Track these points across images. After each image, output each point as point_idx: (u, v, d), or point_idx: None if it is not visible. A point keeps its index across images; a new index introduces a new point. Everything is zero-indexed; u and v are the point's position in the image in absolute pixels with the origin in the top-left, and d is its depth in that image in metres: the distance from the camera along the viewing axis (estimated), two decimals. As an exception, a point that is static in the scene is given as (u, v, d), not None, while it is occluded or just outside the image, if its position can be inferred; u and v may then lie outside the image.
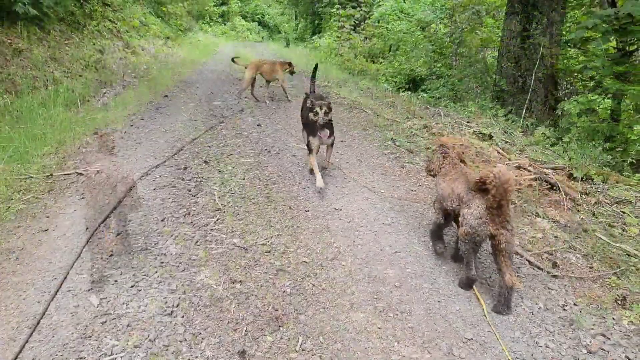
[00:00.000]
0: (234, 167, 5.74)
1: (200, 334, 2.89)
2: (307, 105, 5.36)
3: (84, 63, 9.80)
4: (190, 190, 4.95)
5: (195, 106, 8.94)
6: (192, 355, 2.72)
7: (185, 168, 5.58)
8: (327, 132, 4.95)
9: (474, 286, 3.62)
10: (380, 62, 17.94)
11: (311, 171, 5.52)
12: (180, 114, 8.23)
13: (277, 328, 3.02)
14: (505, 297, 3.34)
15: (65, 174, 5.23)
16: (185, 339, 2.83)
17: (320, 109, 4.84)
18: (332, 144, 5.47)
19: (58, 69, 8.68)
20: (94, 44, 11.06)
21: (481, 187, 3.30)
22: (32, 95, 7.43)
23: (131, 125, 7.37)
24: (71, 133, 6.39)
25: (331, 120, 5.04)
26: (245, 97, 9.71)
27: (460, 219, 3.48)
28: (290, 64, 9.61)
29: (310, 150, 5.29)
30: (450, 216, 3.88)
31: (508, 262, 3.30)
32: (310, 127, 5.18)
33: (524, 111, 9.51)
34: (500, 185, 3.12)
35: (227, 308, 3.16)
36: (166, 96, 9.68)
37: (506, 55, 10.28)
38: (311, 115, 4.94)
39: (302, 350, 2.87)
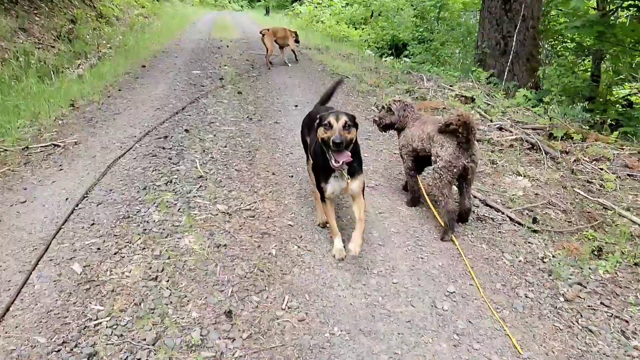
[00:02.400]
0: (215, 135, 5.67)
1: (186, 296, 2.90)
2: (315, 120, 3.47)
3: (55, 34, 9.47)
4: (171, 159, 4.88)
5: (175, 76, 8.74)
6: (178, 316, 2.73)
7: (166, 137, 5.49)
8: (345, 156, 3.02)
9: (456, 242, 3.68)
10: (363, 29, 17.68)
11: (324, 225, 3.84)
12: (159, 84, 8.06)
13: (263, 288, 3.04)
14: (464, 215, 3.99)
15: (41, 146, 5.11)
16: (171, 302, 2.84)
17: (337, 120, 3.00)
18: (361, 183, 3.35)
19: (28, 40, 8.38)
20: (65, 14, 10.67)
21: (449, 128, 3.66)
22: (2, 67, 7.18)
23: (108, 96, 7.20)
24: (46, 105, 6.22)
25: (354, 142, 3.20)
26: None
27: (433, 157, 3.84)
28: (296, 33, 10.45)
29: (321, 195, 3.42)
30: (419, 162, 4.19)
31: (469, 188, 3.91)
32: (320, 157, 3.27)
33: (506, 74, 9.52)
34: (464, 123, 3.54)
35: (213, 271, 3.16)
36: (144, 66, 9.45)
37: (488, 18, 10.20)
38: (321, 131, 3.09)
39: (289, 308, 2.90)
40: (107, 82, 7.94)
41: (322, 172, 3.30)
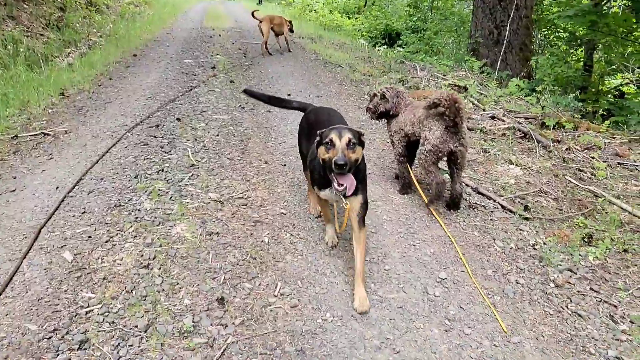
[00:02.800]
0: (207, 124, 5.63)
1: (178, 283, 2.89)
2: (309, 126, 3.52)
3: (44, 22, 9.33)
4: (162, 147, 4.85)
5: (166, 65, 8.66)
6: (170, 304, 2.72)
7: (158, 126, 5.45)
8: (350, 181, 2.73)
9: (444, 226, 3.70)
10: (356, 18, 17.59)
11: (319, 215, 3.81)
12: (151, 73, 7.98)
13: (255, 275, 3.04)
14: (455, 200, 4.00)
15: (31, 135, 5.06)
16: (163, 289, 2.83)
17: (340, 137, 2.70)
18: (362, 205, 2.98)
19: (16, 28, 8.24)
20: (54, 2, 10.50)
21: (436, 107, 3.74)
22: (-10, 55, 7.07)
23: (99, 85, 7.13)
24: (35, 94, 6.14)
25: (360, 162, 2.89)
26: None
27: (422, 140, 3.91)
28: (290, 22, 10.52)
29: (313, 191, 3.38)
30: (411, 147, 4.24)
31: (460, 173, 3.94)
32: (317, 171, 3.03)
33: (499, 63, 9.51)
34: (452, 104, 3.58)
35: (205, 258, 3.16)
36: (135, 55, 9.34)
37: (481, 7, 10.17)
38: (321, 150, 2.79)
39: (281, 294, 2.90)
40: (98, 71, 7.86)
41: (316, 186, 3.09)
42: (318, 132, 2.88)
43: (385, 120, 4.51)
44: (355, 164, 2.77)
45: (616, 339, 2.73)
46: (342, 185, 2.70)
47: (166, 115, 5.87)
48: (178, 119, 5.70)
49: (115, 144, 4.84)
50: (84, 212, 3.61)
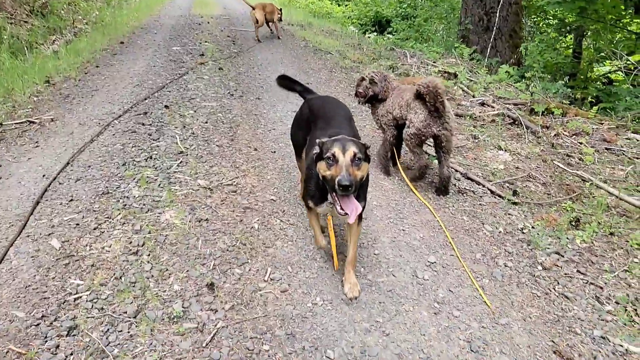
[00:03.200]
0: (195, 111, 5.58)
1: (167, 269, 2.88)
2: (308, 116, 3.30)
3: (28, 8, 9.14)
4: (151, 135, 4.80)
5: (154, 52, 8.54)
6: (159, 289, 2.72)
7: (145, 113, 5.38)
8: (354, 207, 2.43)
9: (433, 211, 3.72)
10: (346, 5, 17.46)
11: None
12: (139, 60, 7.87)
13: (245, 261, 3.04)
14: (444, 184, 4.07)
15: (16, 123, 4.98)
16: (152, 275, 2.82)
17: (344, 151, 2.40)
18: (359, 219, 2.78)
19: (0, 15, 8.07)
20: (38, -12, 10.28)
21: (419, 96, 3.85)
22: (-27, 42, 6.93)
23: (86, 73, 7.02)
24: (20, 81, 6.04)
25: (364, 180, 2.64)
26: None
27: (407, 123, 4.01)
28: (281, 10, 10.42)
29: (306, 204, 2.94)
30: (399, 130, 4.29)
31: (447, 156, 4.01)
32: (314, 185, 2.73)
33: (489, 50, 9.52)
34: (430, 90, 3.69)
35: (194, 245, 3.15)
36: (122, 43, 9.20)
37: (471, -7, 10.14)
38: (322, 166, 2.47)
39: (271, 279, 2.91)
40: (84, 59, 7.73)
41: (311, 199, 2.79)
42: (317, 142, 2.52)
43: (370, 106, 4.52)
44: (360, 182, 2.46)
45: (602, 319, 2.78)
46: (344, 211, 2.40)
47: (154, 102, 5.80)
48: (166, 107, 5.64)
49: (102, 132, 4.78)
50: (71, 200, 3.57)
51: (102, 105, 5.62)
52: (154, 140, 4.70)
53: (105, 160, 4.23)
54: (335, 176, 2.32)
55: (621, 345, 2.59)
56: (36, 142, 4.57)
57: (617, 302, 2.92)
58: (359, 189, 2.57)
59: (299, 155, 3.48)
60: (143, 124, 5.07)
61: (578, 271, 3.22)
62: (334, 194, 2.43)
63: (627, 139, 5.55)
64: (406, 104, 4.03)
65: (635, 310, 2.85)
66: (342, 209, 2.41)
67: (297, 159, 3.63)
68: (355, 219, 2.52)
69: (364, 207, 2.67)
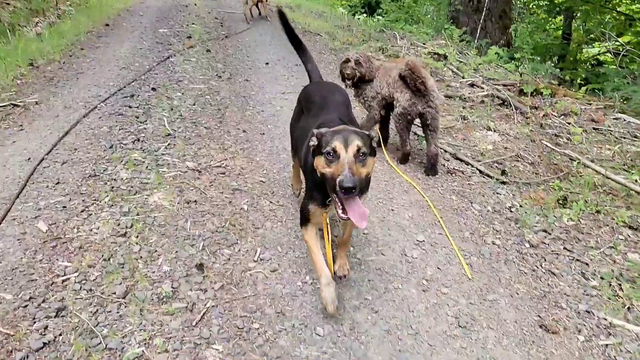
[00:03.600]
0: (183, 93, 5.51)
1: (156, 251, 2.87)
2: (304, 104, 3.04)
3: (10, -11, 8.90)
4: (138, 117, 4.74)
5: (140, 34, 8.38)
6: (149, 270, 2.71)
7: (132, 96, 5.30)
8: (359, 211, 2.09)
9: (420, 190, 3.73)
10: (335, -13, 17.24)
11: (299, 193, 3.52)
12: (125, 43, 7.72)
13: (235, 242, 3.04)
14: (432, 163, 4.09)
15: (0, 106, 4.88)
16: (141, 257, 2.81)
17: (346, 145, 2.07)
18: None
19: (-19, -4, 7.87)
20: (20, -31, 10.02)
21: (402, 77, 3.97)
22: (-47, 24, 6.75)
23: (70, 56, 6.88)
24: (3, 64, 5.90)
25: (368, 176, 2.22)
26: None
27: (395, 102, 4.09)
28: None
29: (304, 220, 2.56)
30: (387, 110, 4.39)
31: (434, 134, 4.04)
32: (313, 181, 2.42)
33: (478, 31, 9.48)
34: (410, 71, 3.82)
35: (183, 226, 3.13)
36: (107, 25, 9.02)
37: (461, -26, 10.06)
38: (320, 162, 2.15)
39: (261, 259, 2.91)
40: (69, 41, 7.57)
41: (310, 201, 2.46)
42: (315, 132, 2.19)
43: (354, 88, 4.47)
44: (365, 181, 2.16)
45: (587, 294, 2.83)
46: (346, 215, 2.07)
47: (141, 85, 5.71)
48: (153, 89, 5.56)
49: (88, 114, 4.71)
50: (58, 183, 3.53)
51: (88, 88, 5.53)
52: (141, 122, 4.64)
53: (92, 143, 4.18)
54: (336, 175, 2.00)
55: (605, 319, 2.64)
56: (20, 125, 4.49)
57: (602, 278, 2.97)
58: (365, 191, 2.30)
59: (295, 153, 3.15)
60: (130, 107, 5.00)
61: (565, 248, 3.26)
62: (334, 195, 2.10)
63: (614, 119, 5.59)
64: (393, 81, 4.07)
65: (620, 285, 2.90)
66: (344, 213, 2.07)
67: (292, 156, 3.35)
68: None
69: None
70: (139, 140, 4.27)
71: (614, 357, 2.40)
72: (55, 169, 3.72)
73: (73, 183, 3.54)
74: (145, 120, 4.68)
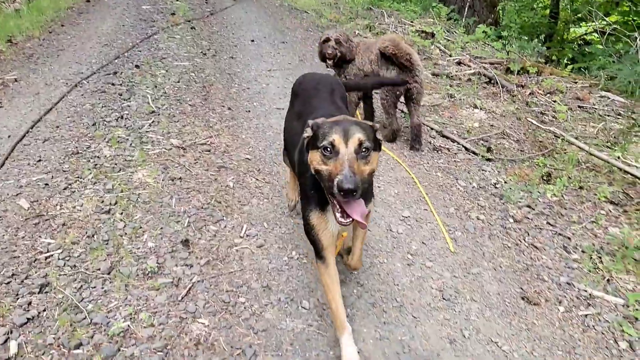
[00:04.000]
0: (167, 71, 5.42)
1: (141, 227, 2.85)
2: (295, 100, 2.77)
3: (-14, -37, 8.61)
4: (121, 95, 4.66)
5: (123, 11, 8.20)
6: (133, 247, 2.69)
7: (115, 73, 5.21)
8: (360, 211, 1.80)
9: (406, 167, 3.74)
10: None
11: (294, 207, 3.12)
12: (107, 20, 7.55)
13: (220, 218, 3.03)
14: (416, 133, 4.15)
15: (-22, 83, 4.76)
16: (126, 233, 2.79)
17: (346, 139, 1.80)
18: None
19: (-45, -30, 7.60)
20: (-5, -58, 9.67)
21: (384, 56, 3.95)
22: None
23: (50, 32, 6.71)
24: (-20, 40, 5.75)
25: (371, 175, 1.93)
26: None
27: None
28: None
29: (317, 250, 2.18)
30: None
31: (417, 107, 4.10)
32: (307, 184, 2.13)
33: (466, 10, 9.41)
34: (393, 48, 3.82)
35: (168, 203, 3.11)
36: (88, 1, 8.81)
37: (449, -50, 9.93)
38: (315, 157, 1.88)
39: (247, 235, 2.91)
40: (48, 17, 7.38)
41: (310, 208, 2.11)
42: (310, 122, 1.93)
43: (335, 67, 4.38)
44: (368, 180, 1.89)
45: (568, 267, 2.87)
46: (348, 217, 1.79)
47: (124, 62, 5.60)
48: (137, 66, 5.46)
49: (70, 92, 4.62)
50: (39, 160, 3.47)
51: (69, 65, 5.41)
52: (124, 100, 4.56)
53: (74, 120, 4.11)
54: (334, 174, 1.72)
55: (585, 291, 2.69)
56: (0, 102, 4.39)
57: (583, 251, 3.02)
58: (368, 198, 2.09)
59: (287, 152, 2.73)
60: (113, 84, 4.91)
61: (548, 223, 3.30)
62: (332, 196, 1.81)
63: (599, 97, 5.63)
64: (377, 58, 4.06)
65: (600, 258, 2.96)
66: (344, 215, 1.79)
67: (283, 157, 3.00)
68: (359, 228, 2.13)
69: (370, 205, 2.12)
70: (122, 117, 4.20)
71: (593, 326, 2.45)
72: (36, 146, 3.66)
73: (55, 160, 3.48)
74: (129, 98, 4.61)
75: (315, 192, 2.05)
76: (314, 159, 1.87)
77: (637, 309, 2.55)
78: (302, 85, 2.78)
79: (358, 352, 2.07)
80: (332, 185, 1.72)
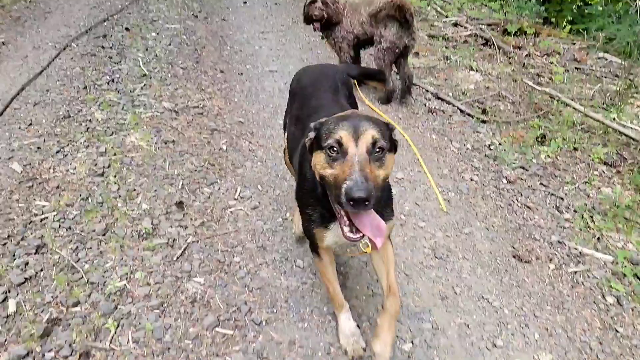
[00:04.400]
0: (158, 33, 5.30)
1: (135, 190, 2.85)
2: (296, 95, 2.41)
3: None
4: (112, 58, 4.57)
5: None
6: (128, 209, 2.70)
7: (105, 36, 5.09)
8: (375, 226, 1.50)
9: (401, 130, 3.73)
10: None
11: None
12: (94, -19, 7.32)
13: (214, 181, 3.03)
14: (407, 84, 4.17)
15: (-37, 47, 4.66)
16: (120, 196, 2.79)
17: (356, 138, 1.48)
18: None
19: None
20: None
21: (380, 15, 3.90)
22: None
23: (36, -7, 6.52)
24: (-37, 3, 5.59)
25: (386, 180, 1.60)
26: None
27: (377, 38, 4.02)
28: None
29: (312, 246, 1.98)
30: (356, 49, 4.38)
31: (406, 59, 4.15)
32: (307, 191, 1.84)
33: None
34: (398, 7, 3.76)
35: (161, 166, 3.10)
36: (75, -38, 8.51)
37: None
38: (319, 160, 1.56)
39: (241, 198, 2.92)
40: (34, -22, 7.15)
41: (311, 223, 1.83)
42: (312, 125, 1.63)
43: (322, 30, 4.29)
44: (383, 185, 1.55)
45: (560, 226, 2.91)
46: (358, 232, 1.51)
47: (114, 25, 5.48)
48: (127, 29, 5.34)
49: (59, 55, 4.52)
50: (30, 124, 3.43)
51: (57, 27, 5.28)
52: (115, 63, 4.48)
53: (65, 84, 4.04)
54: (342, 179, 1.41)
55: (576, 249, 2.73)
56: (-13, 65, 4.31)
57: (575, 211, 3.06)
58: (386, 209, 1.81)
59: (290, 158, 2.32)
60: (103, 47, 4.81)
61: (541, 184, 3.32)
62: (339, 206, 1.50)
63: (597, 58, 5.58)
64: (367, 20, 4.02)
65: (592, 217, 2.99)
66: (353, 230, 1.51)
67: (284, 158, 2.63)
68: (385, 255, 1.85)
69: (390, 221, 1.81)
70: (113, 81, 4.14)
71: (582, 282, 2.51)
72: (27, 110, 3.61)
73: (47, 124, 3.45)
74: (120, 61, 4.52)
75: (310, 197, 1.79)
76: (318, 161, 1.55)
77: (625, 266, 2.60)
78: (301, 82, 2.41)
79: (357, 326, 2.05)
80: (339, 193, 1.41)
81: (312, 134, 1.62)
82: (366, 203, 1.35)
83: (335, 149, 1.48)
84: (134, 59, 4.58)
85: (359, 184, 1.35)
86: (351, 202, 1.36)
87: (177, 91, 4.07)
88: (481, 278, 2.49)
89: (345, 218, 1.52)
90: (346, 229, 1.52)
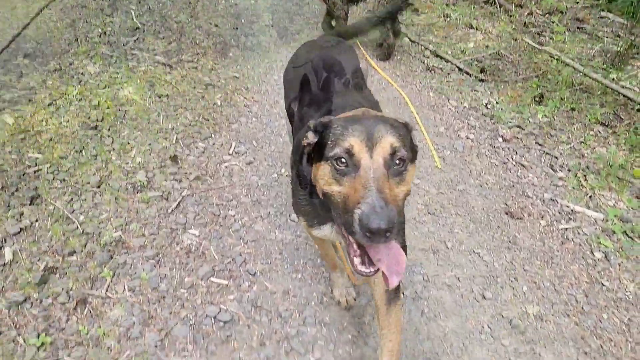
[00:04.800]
0: (151, -15, 5.15)
1: (129, 143, 2.84)
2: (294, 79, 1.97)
3: None
4: (103, 10, 4.45)
5: None
6: (122, 162, 2.69)
7: (95, -13, 4.94)
8: (397, 254, 1.17)
9: (397, 87, 3.69)
10: None
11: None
12: None
13: (209, 135, 3.01)
14: (396, 34, 4.14)
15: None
16: (114, 149, 2.78)
17: (370, 146, 1.14)
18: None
19: None
20: None
21: None
22: None
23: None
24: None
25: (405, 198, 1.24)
26: None
27: None
28: None
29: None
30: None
31: (396, 22, 4.10)
32: (304, 196, 1.50)
33: None
34: None
35: (156, 120, 3.07)
36: None
37: None
38: (324, 172, 1.20)
39: (236, 153, 2.91)
40: None
41: (307, 209, 1.55)
42: (311, 124, 1.29)
43: None
44: (403, 207, 1.26)
45: (553, 185, 2.93)
46: (372, 266, 1.17)
47: (104, -24, 5.29)
48: (118, -20, 5.17)
49: (48, 5, 4.39)
50: (21, 76, 3.37)
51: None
52: (107, 15, 4.36)
53: (55, 36, 3.95)
54: (354, 202, 1.10)
55: (567, 206, 2.76)
56: (-25, 17, 4.19)
57: (569, 170, 3.07)
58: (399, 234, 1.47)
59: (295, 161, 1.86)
60: (93, -1, 4.67)
61: (536, 143, 3.32)
62: (348, 233, 1.15)
63: (600, 17, 5.46)
64: None
65: (585, 176, 3.00)
66: (363, 262, 1.18)
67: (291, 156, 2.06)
68: (395, 300, 1.53)
69: (404, 248, 1.42)
70: (105, 34, 4.04)
71: (572, 239, 2.54)
72: (17, 62, 3.54)
73: (38, 77, 3.38)
74: (112, 14, 4.40)
75: (307, 203, 1.51)
76: (322, 175, 1.22)
77: (615, 224, 2.64)
78: (296, 69, 1.98)
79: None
80: (350, 220, 1.09)
81: (311, 136, 1.28)
82: (387, 234, 1.03)
83: (343, 160, 1.15)
84: (126, 12, 4.46)
85: (378, 209, 1.03)
86: (368, 235, 1.04)
87: (171, 45, 3.99)
88: (473, 233, 2.52)
89: (355, 246, 1.18)
90: (357, 260, 1.18)
